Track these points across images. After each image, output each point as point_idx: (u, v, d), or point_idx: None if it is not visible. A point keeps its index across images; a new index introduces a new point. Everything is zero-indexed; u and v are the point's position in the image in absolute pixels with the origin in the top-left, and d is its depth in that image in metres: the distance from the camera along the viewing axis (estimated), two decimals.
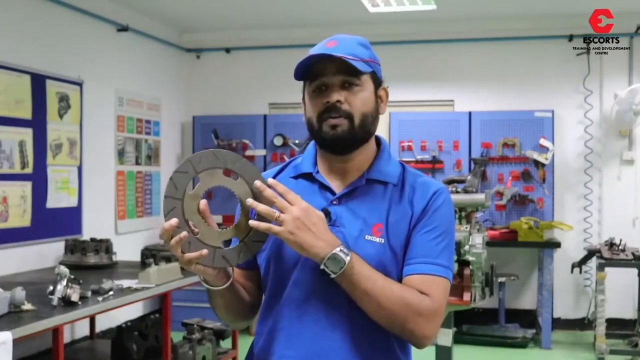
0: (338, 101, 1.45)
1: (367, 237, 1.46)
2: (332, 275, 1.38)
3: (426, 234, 1.47)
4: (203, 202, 1.39)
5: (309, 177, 1.56)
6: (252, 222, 1.37)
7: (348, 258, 1.37)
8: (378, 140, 1.59)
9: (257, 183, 1.39)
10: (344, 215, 1.48)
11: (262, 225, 1.36)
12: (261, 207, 1.36)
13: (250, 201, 1.38)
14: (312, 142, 1.59)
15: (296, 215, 1.36)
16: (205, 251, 1.36)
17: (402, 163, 1.59)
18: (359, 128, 1.47)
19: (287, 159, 2.89)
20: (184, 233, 1.34)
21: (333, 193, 1.52)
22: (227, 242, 1.44)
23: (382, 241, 1.46)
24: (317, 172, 1.55)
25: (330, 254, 1.37)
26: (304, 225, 1.36)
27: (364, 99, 1.48)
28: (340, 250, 1.38)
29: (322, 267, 1.37)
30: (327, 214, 1.47)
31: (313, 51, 1.48)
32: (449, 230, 1.50)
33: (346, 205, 1.50)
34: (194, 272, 1.40)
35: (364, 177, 1.52)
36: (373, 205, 1.49)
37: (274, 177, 1.54)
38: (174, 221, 1.35)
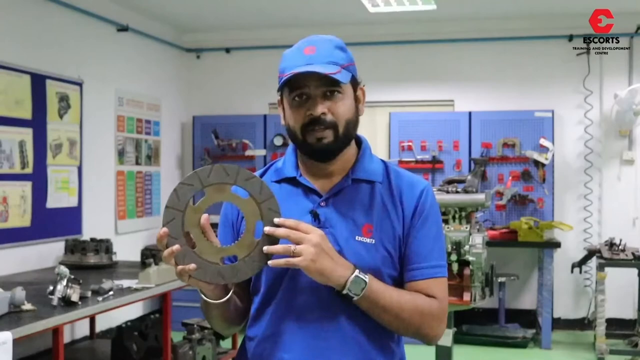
0: (322, 113, 1.45)
1: (358, 238, 1.47)
2: (355, 298, 1.39)
3: (423, 236, 1.49)
4: (204, 217, 1.38)
5: (292, 181, 1.55)
6: (271, 262, 1.36)
7: (367, 278, 1.39)
8: (358, 139, 1.59)
9: (267, 229, 1.37)
10: (333, 217, 1.48)
11: (281, 261, 1.35)
12: (277, 248, 1.36)
13: (266, 248, 1.36)
14: (292, 145, 1.58)
15: (315, 242, 1.35)
16: (193, 266, 1.34)
17: (382, 160, 1.59)
18: (343, 136, 1.48)
19: None
20: (177, 246, 1.34)
21: (319, 195, 1.51)
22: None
23: (373, 241, 1.47)
24: (300, 175, 1.54)
25: (353, 276, 1.38)
26: (323, 252, 1.36)
27: (346, 107, 1.48)
28: (359, 271, 1.39)
29: (345, 291, 1.38)
30: (315, 216, 1.48)
31: (292, 61, 1.46)
32: (440, 227, 1.54)
33: (334, 206, 1.50)
34: (189, 284, 1.39)
35: (349, 177, 1.52)
36: (361, 206, 1.50)
37: None
38: (163, 231, 1.34)
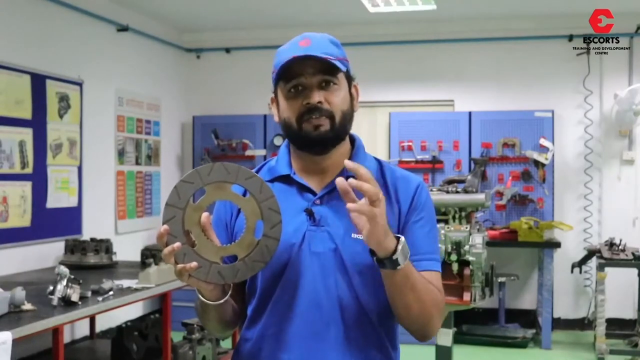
0: (319, 102, 1.45)
1: (354, 235, 1.45)
2: (401, 265, 1.32)
3: (419, 230, 1.49)
4: (205, 215, 1.36)
5: (286, 179, 1.53)
6: (350, 181, 1.26)
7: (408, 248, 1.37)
8: (352, 137, 1.59)
9: (357, 167, 1.27)
10: (328, 215, 1.47)
11: (364, 208, 1.26)
12: (366, 187, 1.26)
13: (350, 206, 1.27)
14: (285, 143, 1.57)
15: (383, 204, 1.29)
16: (194, 264, 1.33)
17: (376, 158, 1.59)
18: (339, 126, 1.47)
19: None
20: (177, 244, 1.32)
21: (313, 193, 1.50)
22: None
23: None
24: (294, 173, 1.53)
25: (402, 243, 1.33)
26: (383, 218, 1.29)
27: (342, 98, 1.48)
28: (404, 240, 1.34)
29: (395, 257, 1.31)
30: (310, 214, 1.47)
31: (289, 51, 1.46)
32: (434, 223, 1.54)
33: (329, 204, 1.49)
34: (188, 284, 1.37)
35: (343, 175, 1.49)
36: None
37: None
38: (163, 228, 1.33)
